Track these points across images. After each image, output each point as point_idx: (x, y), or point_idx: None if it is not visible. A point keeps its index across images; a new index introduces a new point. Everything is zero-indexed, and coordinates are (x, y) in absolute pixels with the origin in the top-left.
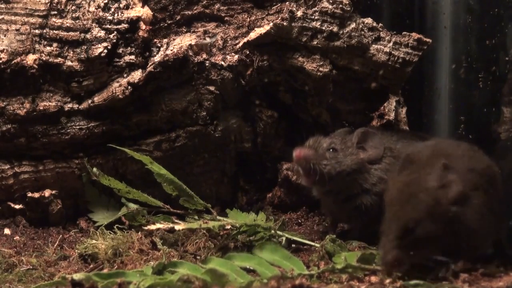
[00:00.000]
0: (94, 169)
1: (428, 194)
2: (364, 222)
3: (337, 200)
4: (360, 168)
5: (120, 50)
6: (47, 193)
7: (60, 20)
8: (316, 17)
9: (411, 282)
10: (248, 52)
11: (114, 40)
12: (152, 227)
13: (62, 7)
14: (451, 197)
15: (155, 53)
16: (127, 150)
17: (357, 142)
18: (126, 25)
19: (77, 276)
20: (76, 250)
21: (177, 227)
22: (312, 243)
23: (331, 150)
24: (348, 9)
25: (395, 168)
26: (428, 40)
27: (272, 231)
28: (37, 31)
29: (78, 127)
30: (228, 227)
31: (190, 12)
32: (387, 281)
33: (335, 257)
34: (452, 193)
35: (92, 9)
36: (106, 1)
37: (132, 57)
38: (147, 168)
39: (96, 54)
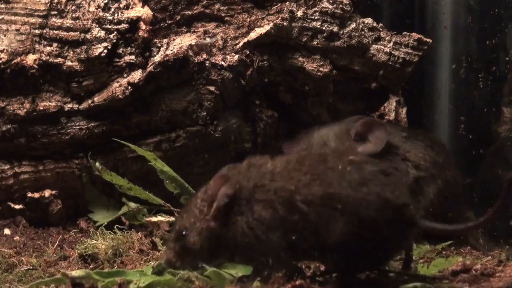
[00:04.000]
0: (97, 164)
1: (196, 206)
2: None
3: None
4: None
5: (120, 50)
6: (47, 193)
7: (60, 20)
8: (316, 17)
9: (410, 285)
10: (248, 52)
11: (114, 40)
12: (154, 219)
13: (62, 7)
14: (211, 212)
15: (155, 53)
16: (132, 145)
17: (357, 134)
18: (126, 25)
19: (77, 273)
20: (76, 250)
21: None
22: None
23: (322, 144)
24: (348, 9)
25: (401, 167)
26: (428, 40)
27: None
28: (37, 31)
29: (78, 127)
30: None
31: (190, 12)
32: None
33: None
34: (213, 208)
35: (92, 9)
36: (106, 1)
37: (132, 57)
38: (147, 168)
39: (96, 54)
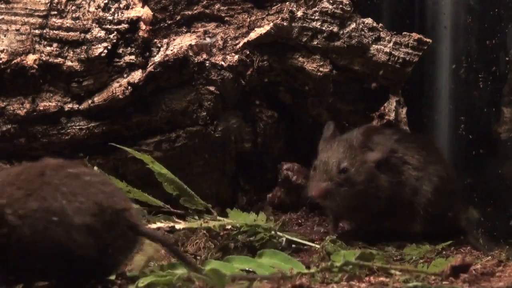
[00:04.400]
0: (95, 168)
1: None
2: (370, 223)
3: (346, 208)
4: (370, 178)
5: (120, 50)
6: None
7: (60, 20)
8: (316, 17)
9: (410, 284)
10: (248, 52)
11: (114, 40)
12: (153, 226)
13: (62, 7)
14: None
15: (155, 53)
16: (128, 149)
17: (361, 145)
18: (126, 25)
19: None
20: None
21: (177, 226)
22: (312, 244)
23: (343, 172)
24: (348, 9)
25: (403, 171)
26: (428, 40)
27: (272, 232)
28: (37, 31)
29: (78, 127)
30: (229, 227)
31: (190, 12)
32: (388, 280)
33: (334, 256)
34: None
35: (92, 9)
36: (106, 1)
37: (132, 57)
38: (147, 168)
39: (96, 54)
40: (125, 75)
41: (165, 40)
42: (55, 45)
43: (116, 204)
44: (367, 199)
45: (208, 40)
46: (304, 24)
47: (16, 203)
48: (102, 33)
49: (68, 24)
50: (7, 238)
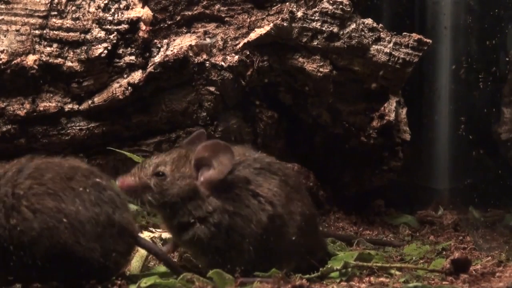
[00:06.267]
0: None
1: None
2: (206, 259)
3: (171, 227)
4: (191, 195)
5: (120, 51)
6: None
7: (60, 21)
8: (316, 18)
9: (410, 285)
10: (248, 53)
11: (114, 41)
12: (155, 234)
13: (62, 7)
14: None
15: (155, 54)
16: (127, 153)
17: (197, 160)
18: (126, 26)
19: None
20: None
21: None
22: None
23: (157, 175)
24: (348, 9)
25: (252, 205)
26: (428, 40)
27: None
28: (37, 32)
29: (78, 127)
30: None
31: (190, 13)
32: (388, 280)
33: (332, 260)
34: None
35: (92, 9)
36: (106, 1)
37: (132, 57)
38: None
39: (96, 54)
40: (125, 76)
41: (165, 41)
42: (55, 45)
43: (125, 219)
44: (185, 215)
45: (208, 40)
46: (304, 25)
47: (33, 197)
48: (102, 34)
49: (68, 25)
50: (12, 231)
